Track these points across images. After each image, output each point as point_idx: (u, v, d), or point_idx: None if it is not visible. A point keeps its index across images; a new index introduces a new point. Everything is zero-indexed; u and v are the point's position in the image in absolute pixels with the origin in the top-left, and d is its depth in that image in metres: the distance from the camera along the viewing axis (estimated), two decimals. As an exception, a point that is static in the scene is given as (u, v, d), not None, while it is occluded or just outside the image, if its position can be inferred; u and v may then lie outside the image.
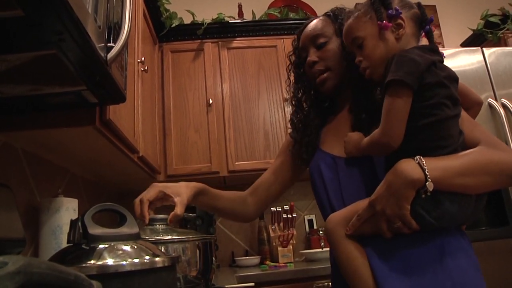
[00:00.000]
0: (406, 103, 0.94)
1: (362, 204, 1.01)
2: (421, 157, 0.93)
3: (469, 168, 0.93)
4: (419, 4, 1.14)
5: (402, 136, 0.95)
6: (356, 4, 1.13)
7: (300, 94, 1.37)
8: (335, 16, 1.31)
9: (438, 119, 0.94)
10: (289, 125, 1.45)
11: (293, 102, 1.38)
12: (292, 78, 1.41)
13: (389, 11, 1.03)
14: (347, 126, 1.21)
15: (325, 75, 1.25)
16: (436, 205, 0.93)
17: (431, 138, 0.96)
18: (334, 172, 1.18)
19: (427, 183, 0.90)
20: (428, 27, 1.12)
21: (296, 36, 1.39)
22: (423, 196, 0.91)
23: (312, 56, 1.27)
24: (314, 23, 1.33)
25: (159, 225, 1.38)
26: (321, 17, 1.35)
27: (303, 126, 1.33)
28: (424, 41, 1.12)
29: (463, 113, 1.03)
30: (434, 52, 1.02)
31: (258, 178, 1.45)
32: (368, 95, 1.16)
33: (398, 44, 1.04)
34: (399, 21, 1.04)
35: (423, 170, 0.91)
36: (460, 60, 2.26)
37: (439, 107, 0.95)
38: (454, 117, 0.97)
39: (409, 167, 0.92)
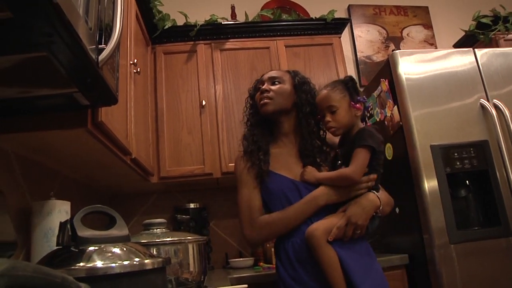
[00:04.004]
0: (368, 159, 1.53)
1: (335, 218, 1.52)
2: (377, 193, 1.56)
3: (387, 202, 1.64)
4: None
5: (361, 176, 1.53)
6: (334, 81, 1.71)
7: (251, 118, 1.80)
8: (295, 73, 1.81)
9: (380, 172, 1.60)
10: None
11: (247, 124, 1.81)
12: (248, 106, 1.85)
13: (359, 98, 1.63)
14: (293, 155, 1.71)
15: (268, 100, 1.71)
16: (373, 221, 1.56)
17: (377, 183, 1.60)
18: (297, 194, 1.61)
19: (381, 208, 1.55)
20: (366, 112, 1.78)
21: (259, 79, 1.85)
22: (374, 215, 1.54)
23: (266, 86, 1.75)
24: (276, 70, 1.89)
25: (156, 229, 1.38)
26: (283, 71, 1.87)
27: (254, 144, 1.72)
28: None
29: None
30: (378, 132, 1.62)
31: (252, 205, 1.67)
32: (313, 140, 1.69)
33: (355, 119, 1.63)
34: (360, 105, 1.62)
35: (380, 201, 1.55)
36: (452, 61, 2.27)
37: (380, 167, 1.60)
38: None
39: (374, 197, 1.55)
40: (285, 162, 1.69)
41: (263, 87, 1.75)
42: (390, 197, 1.68)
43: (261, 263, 2.60)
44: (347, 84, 1.65)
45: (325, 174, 1.60)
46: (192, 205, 2.79)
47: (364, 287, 1.42)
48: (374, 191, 1.57)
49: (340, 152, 1.67)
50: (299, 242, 1.55)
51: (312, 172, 1.61)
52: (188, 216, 2.68)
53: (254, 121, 1.79)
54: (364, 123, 1.67)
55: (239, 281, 1.96)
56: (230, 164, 2.59)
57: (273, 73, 1.81)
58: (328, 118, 1.62)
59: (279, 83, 1.75)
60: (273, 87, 1.74)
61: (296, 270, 1.55)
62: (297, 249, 1.56)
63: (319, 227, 1.49)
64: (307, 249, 1.51)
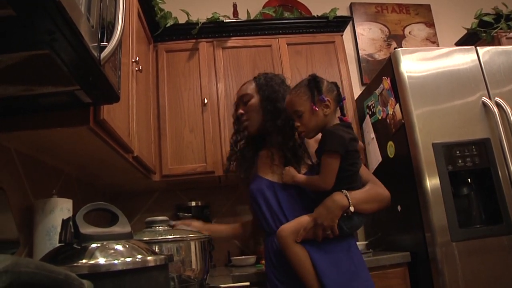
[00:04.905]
0: (337, 164, 1.50)
1: (303, 219, 1.52)
2: (347, 191, 1.52)
3: (368, 198, 1.58)
4: (336, 85, 1.65)
5: (333, 183, 1.51)
6: (297, 84, 1.67)
7: (237, 135, 1.85)
8: (258, 79, 1.85)
9: (355, 171, 1.56)
10: None
11: (233, 139, 1.87)
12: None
13: (320, 97, 1.57)
14: (277, 158, 1.71)
15: (246, 123, 1.79)
16: (349, 220, 1.53)
17: (350, 181, 1.55)
18: (273, 193, 1.67)
19: (350, 207, 1.50)
20: (341, 103, 1.65)
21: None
22: (345, 215, 1.51)
23: (240, 109, 1.82)
24: (245, 85, 1.89)
25: (159, 226, 1.38)
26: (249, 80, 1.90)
27: (242, 157, 1.83)
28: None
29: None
30: (350, 128, 1.60)
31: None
32: (290, 138, 1.69)
33: (326, 118, 1.58)
34: (327, 103, 1.57)
35: (348, 199, 1.50)
36: (454, 59, 2.27)
37: (355, 165, 1.55)
38: (360, 168, 1.60)
39: (341, 197, 1.51)
40: (269, 165, 1.74)
41: (236, 113, 1.85)
42: (378, 194, 1.63)
43: (263, 261, 2.59)
44: (310, 84, 1.61)
45: (300, 177, 1.61)
46: (194, 203, 2.79)
47: (327, 281, 1.44)
48: (344, 190, 1.52)
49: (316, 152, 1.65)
50: (277, 242, 1.59)
51: (290, 173, 1.62)
52: (190, 214, 2.69)
53: (235, 138, 1.87)
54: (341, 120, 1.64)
55: (241, 278, 1.96)
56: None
57: (241, 92, 1.87)
58: (297, 123, 1.61)
59: (248, 100, 1.81)
60: (245, 108, 1.81)
61: (277, 269, 1.61)
62: (275, 248, 1.62)
63: (286, 228, 1.53)
64: None
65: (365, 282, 1.55)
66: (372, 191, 1.61)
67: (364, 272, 1.58)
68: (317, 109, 1.56)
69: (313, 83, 1.60)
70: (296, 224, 1.52)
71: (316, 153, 1.62)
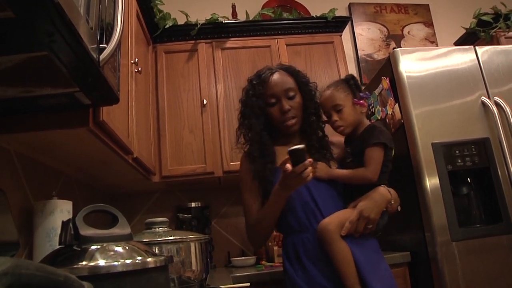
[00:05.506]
0: (382, 156, 1.57)
1: (346, 213, 1.52)
2: (386, 187, 1.58)
3: (396, 197, 1.62)
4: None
5: (378, 175, 1.55)
6: (336, 80, 1.75)
7: (260, 125, 1.70)
8: (295, 73, 1.76)
9: (390, 168, 1.63)
10: None
11: (250, 135, 1.72)
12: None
13: (362, 94, 1.67)
14: None
15: (294, 120, 1.68)
16: (383, 216, 1.56)
17: (384, 178, 1.61)
18: (306, 188, 1.57)
19: (392, 202, 1.56)
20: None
21: (257, 80, 1.75)
22: (385, 210, 1.54)
23: (286, 103, 1.66)
24: (282, 75, 1.73)
25: (158, 227, 1.38)
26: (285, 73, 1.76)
27: (261, 155, 1.67)
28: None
29: None
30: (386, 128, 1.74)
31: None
32: (320, 137, 1.71)
33: (361, 116, 1.67)
34: (364, 102, 1.66)
35: (390, 194, 1.56)
36: (453, 58, 2.26)
37: (390, 163, 1.63)
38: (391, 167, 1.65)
39: (385, 190, 1.56)
40: None
41: (284, 106, 1.66)
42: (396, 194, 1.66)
43: (263, 262, 2.60)
44: (349, 82, 1.67)
45: (340, 171, 1.62)
46: (194, 204, 2.79)
47: (375, 284, 1.42)
48: (384, 185, 1.58)
49: (349, 149, 1.68)
50: (311, 239, 1.54)
51: (324, 169, 1.60)
52: (190, 215, 2.69)
53: (262, 127, 1.71)
54: (369, 120, 1.69)
55: (241, 279, 1.96)
56: (231, 163, 2.59)
57: (286, 84, 1.70)
58: (335, 117, 1.64)
59: (294, 95, 1.70)
60: (291, 103, 1.68)
61: (305, 268, 1.52)
62: (308, 246, 1.54)
63: (332, 221, 1.49)
64: (319, 246, 1.50)
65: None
66: (395, 192, 1.64)
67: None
68: (358, 105, 1.64)
69: (353, 81, 1.68)
70: (341, 218, 1.50)
71: (349, 150, 1.67)
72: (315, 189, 1.59)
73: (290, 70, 1.78)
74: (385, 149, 1.58)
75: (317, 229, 1.51)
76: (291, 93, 1.69)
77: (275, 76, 1.72)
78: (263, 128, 1.70)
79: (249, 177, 1.69)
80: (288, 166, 1.40)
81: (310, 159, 1.40)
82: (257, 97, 1.72)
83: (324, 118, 1.76)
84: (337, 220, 1.49)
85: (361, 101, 1.65)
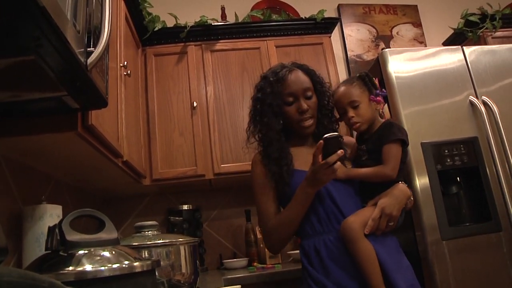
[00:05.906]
0: (400, 153, 1.55)
1: (367, 211, 1.49)
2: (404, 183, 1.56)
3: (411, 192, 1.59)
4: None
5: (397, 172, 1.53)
6: (350, 77, 1.75)
7: (277, 125, 1.62)
8: (311, 73, 1.70)
9: (405, 166, 1.63)
10: None
11: (269, 134, 1.63)
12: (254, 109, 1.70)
13: (378, 91, 1.65)
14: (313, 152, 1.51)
15: (311, 121, 1.63)
16: (401, 213, 1.53)
17: (400, 175, 1.57)
18: (325, 189, 1.53)
19: (411, 198, 1.56)
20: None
21: (274, 77, 1.66)
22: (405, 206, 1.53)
23: (304, 103, 1.61)
24: (300, 73, 1.68)
25: (147, 231, 1.38)
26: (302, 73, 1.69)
27: (279, 156, 1.60)
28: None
29: None
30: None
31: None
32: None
33: (376, 113, 1.65)
34: (381, 99, 1.64)
35: (410, 190, 1.55)
36: (441, 59, 2.28)
37: (405, 160, 1.61)
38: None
39: (405, 187, 1.55)
40: (306, 160, 1.56)
41: (303, 106, 1.61)
42: None
43: (255, 263, 2.60)
44: (364, 79, 1.66)
45: (358, 170, 1.58)
46: (185, 207, 2.78)
47: (400, 283, 1.39)
48: (403, 182, 1.57)
49: (364, 147, 1.63)
50: (333, 239, 1.49)
51: (341, 168, 1.53)
52: (181, 218, 2.68)
53: (279, 128, 1.64)
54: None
55: (233, 281, 1.96)
56: (222, 165, 2.59)
57: (304, 84, 1.65)
58: (351, 113, 1.62)
59: (311, 95, 1.65)
60: (309, 103, 1.62)
61: (327, 269, 1.47)
62: (330, 247, 1.49)
63: (356, 219, 1.46)
64: (342, 246, 1.47)
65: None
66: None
67: None
68: (374, 101, 1.63)
69: (368, 78, 1.66)
70: (364, 216, 1.47)
71: (365, 147, 1.62)
72: (333, 189, 1.54)
73: (305, 69, 1.73)
74: (403, 146, 1.56)
75: (340, 228, 1.48)
76: (309, 93, 1.64)
77: (294, 75, 1.66)
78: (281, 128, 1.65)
79: (264, 179, 1.62)
80: (320, 157, 1.39)
81: (342, 150, 1.37)
82: (275, 95, 1.64)
83: (337, 115, 1.72)
84: (361, 218, 1.46)
85: (377, 97, 1.63)
